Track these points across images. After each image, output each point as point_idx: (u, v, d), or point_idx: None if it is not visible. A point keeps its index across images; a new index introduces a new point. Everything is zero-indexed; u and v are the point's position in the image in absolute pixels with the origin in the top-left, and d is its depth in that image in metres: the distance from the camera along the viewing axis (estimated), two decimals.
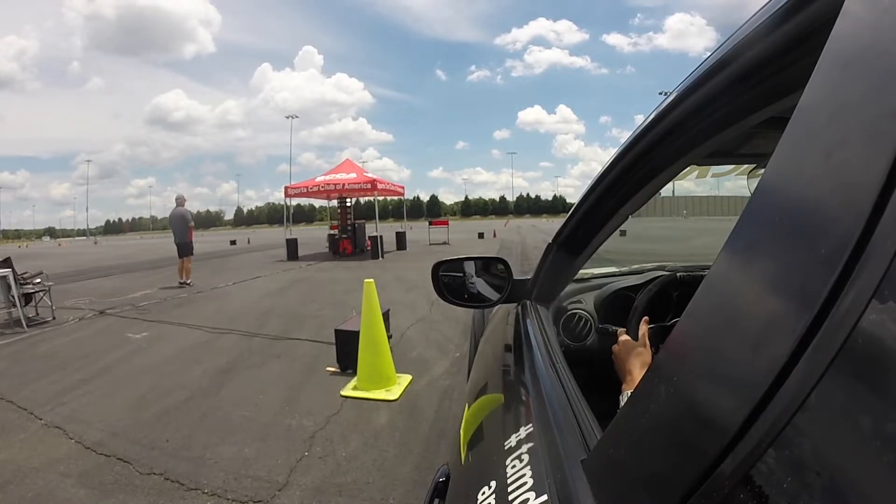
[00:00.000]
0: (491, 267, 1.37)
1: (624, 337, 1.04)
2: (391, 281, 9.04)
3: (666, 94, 0.69)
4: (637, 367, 0.93)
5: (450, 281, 1.36)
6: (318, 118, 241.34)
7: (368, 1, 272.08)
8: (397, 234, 18.12)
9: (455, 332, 5.09)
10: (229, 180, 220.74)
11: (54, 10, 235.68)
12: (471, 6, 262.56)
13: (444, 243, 19.46)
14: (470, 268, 1.37)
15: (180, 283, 9.66)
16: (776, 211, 0.31)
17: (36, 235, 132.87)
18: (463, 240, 21.53)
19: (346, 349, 3.84)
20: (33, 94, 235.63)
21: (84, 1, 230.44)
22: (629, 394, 0.85)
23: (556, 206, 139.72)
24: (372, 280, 3.72)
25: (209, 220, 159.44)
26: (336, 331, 4.04)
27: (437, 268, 1.35)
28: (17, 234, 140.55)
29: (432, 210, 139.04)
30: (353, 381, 3.61)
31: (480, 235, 24.16)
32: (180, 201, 9.96)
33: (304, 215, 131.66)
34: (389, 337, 4.21)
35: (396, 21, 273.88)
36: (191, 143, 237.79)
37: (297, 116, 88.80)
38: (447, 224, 21.58)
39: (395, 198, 19.02)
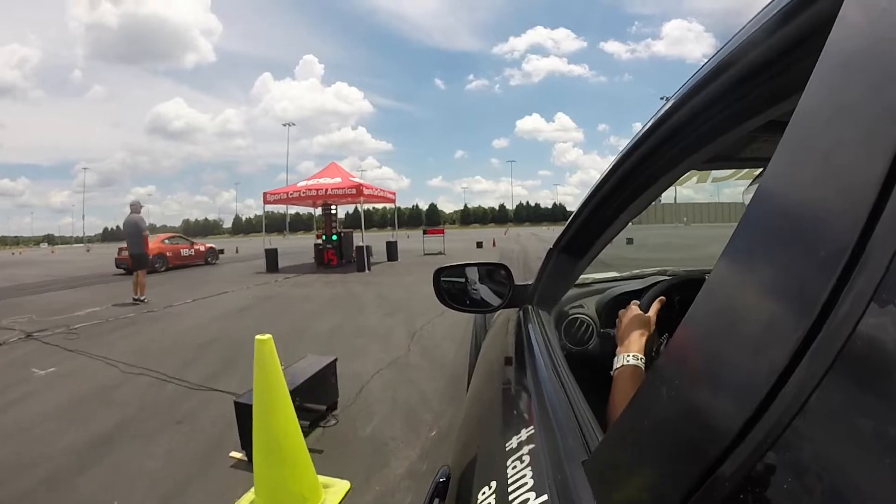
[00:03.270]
0: (492, 272, 1.37)
1: (634, 305, 1.03)
2: (371, 300, 7.92)
3: (667, 98, 0.68)
4: (636, 333, 0.93)
5: (451, 286, 1.36)
6: (319, 127, 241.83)
7: (369, 11, 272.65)
8: (388, 243, 16.74)
9: (437, 388, 3.61)
10: (229, 189, 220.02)
11: (57, 19, 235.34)
12: (469, 16, 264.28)
13: (440, 253, 17.95)
14: (471, 273, 1.38)
15: (134, 300, 8.55)
16: (775, 214, 0.32)
17: (34, 242, 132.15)
18: (460, 249, 20.26)
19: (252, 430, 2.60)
20: (35, 102, 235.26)
21: (86, 10, 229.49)
22: (623, 356, 0.86)
23: (555, 214, 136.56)
24: (268, 336, 2.18)
25: (207, 229, 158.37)
26: (236, 404, 2.61)
27: (439, 273, 1.35)
28: (17, 241, 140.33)
29: (431, 218, 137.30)
30: (250, 496, 2.25)
31: (479, 245, 22.43)
32: (135, 207, 8.80)
33: (303, 223, 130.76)
34: (333, 407, 3.13)
35: (395, 31, 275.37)
36: (191, 152, 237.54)
37: (293, 124, 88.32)
38: (443, 233, 20.01)
39: (393, 206, 17.97)
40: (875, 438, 0.22)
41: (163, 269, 15.30)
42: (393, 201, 16.70)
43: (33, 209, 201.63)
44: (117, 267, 15.42)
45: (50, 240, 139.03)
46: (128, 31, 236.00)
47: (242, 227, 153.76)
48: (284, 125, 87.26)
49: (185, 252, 16.36)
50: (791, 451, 0.26)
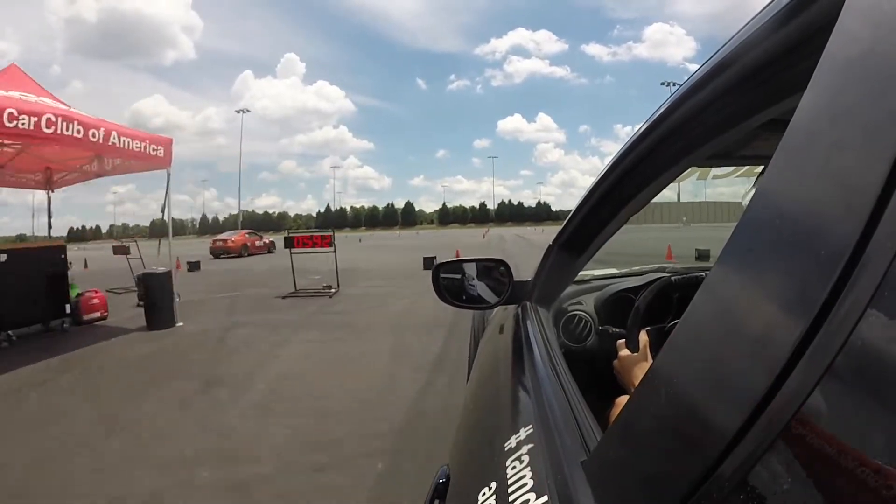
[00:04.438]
0: (492, 269, 1.36)
1: (624, 351, 1.04)
2: None
3: (669, 84, 0.97)
4: (639, 374, 0.93)
5: (450, 283, 1.35)
6: (299, 126, 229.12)
7: (351, 10, 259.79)
8: (141, 279, 7.22)
9: None
10: (210, 188, 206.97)
11: (36, 13, 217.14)
12: (452, 17, 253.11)
13: (325, 291, 8.86)
14: (470, 269, 1.36)
15: None
16: (775, 214, 0.31)
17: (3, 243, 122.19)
18: (378, 274, 11.20)
19: None
20: None
21: (65, 4, 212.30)
22: None
23: (539, 213, 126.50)
24: None
25: (174, 229, 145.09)
26: None
27: (438, 269, 1.35)
28: None
29: (408, 219, 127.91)
30: None
31: (427, 264, 12.09)
32: None
33: (272, 223, 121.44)
34: None
35: (377, 30, 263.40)
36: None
37: (248, 111, 78.23)
38: (328, 243, 8.62)
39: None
40: (873, 439, 0.22)
41: (246, 254, 22.02)
42: (162, 163, 6.29)
43: (12, 208, 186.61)
44: (210, 253, 21.64)
45: (21, 240, 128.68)
46: (107, 26, 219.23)
47: (209, 228, 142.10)
48: (238, 112, 77.56)
49: (257, 243, 23.70)
50: (790, 451, 0.26)
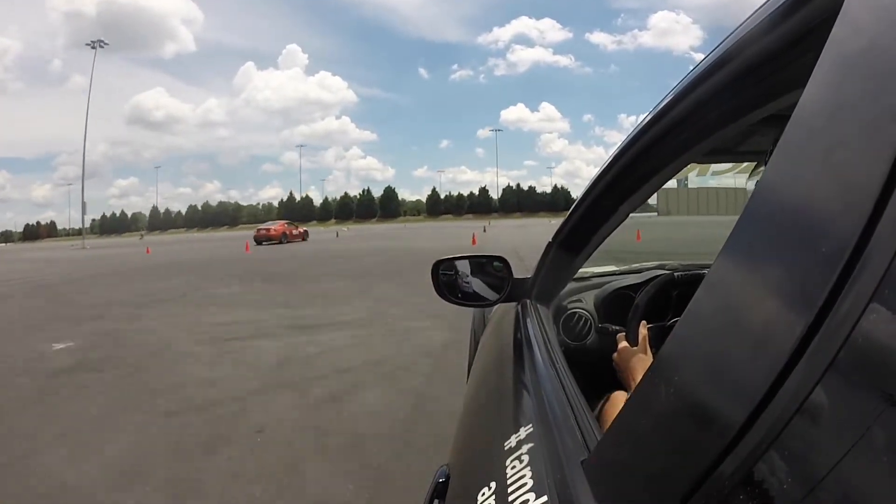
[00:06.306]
0: (490, 266, 1.34)
1: (623, 343, 1.05)
2: None
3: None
4: (640, 372, 0.92)
5: (449, 280, 1.33)
6: (302, 117, 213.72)
7: (352, 0, 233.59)
8: None
9: None
10: (213, 180, 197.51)
11: (37, 9, 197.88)
12: (454, 6, 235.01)
13: None
14: (469, 266, 1.34)
15: None
16: (776, 210, 0.31)
17: None
18: None
19: None
20: (15, 94, 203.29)
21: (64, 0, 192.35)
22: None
23: (556, 201, 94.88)
24: None
25: (125, 224, 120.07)
26: None
27: (437, 266, 1.33)
28: None
29: (388, 208, 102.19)
30: None
31: None
32: None
33: (228, 216, 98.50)
34: None
35: (380, 20, 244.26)
36: (172, 143, 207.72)
37: (106, 43, 53.78)
38: None
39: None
40: (874, 437, 0.22)
41: (286, 241, 25.40)
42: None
43: (15, 203, 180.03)
44: (254, 241, 24.44)
45: (7, 237, 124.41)
46: (106, 19, 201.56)
47: (160, 223, 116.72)
48: (89, 45, 53.31)
49: (294, 232, 27.56)
50: (791, 449, 0.26)
